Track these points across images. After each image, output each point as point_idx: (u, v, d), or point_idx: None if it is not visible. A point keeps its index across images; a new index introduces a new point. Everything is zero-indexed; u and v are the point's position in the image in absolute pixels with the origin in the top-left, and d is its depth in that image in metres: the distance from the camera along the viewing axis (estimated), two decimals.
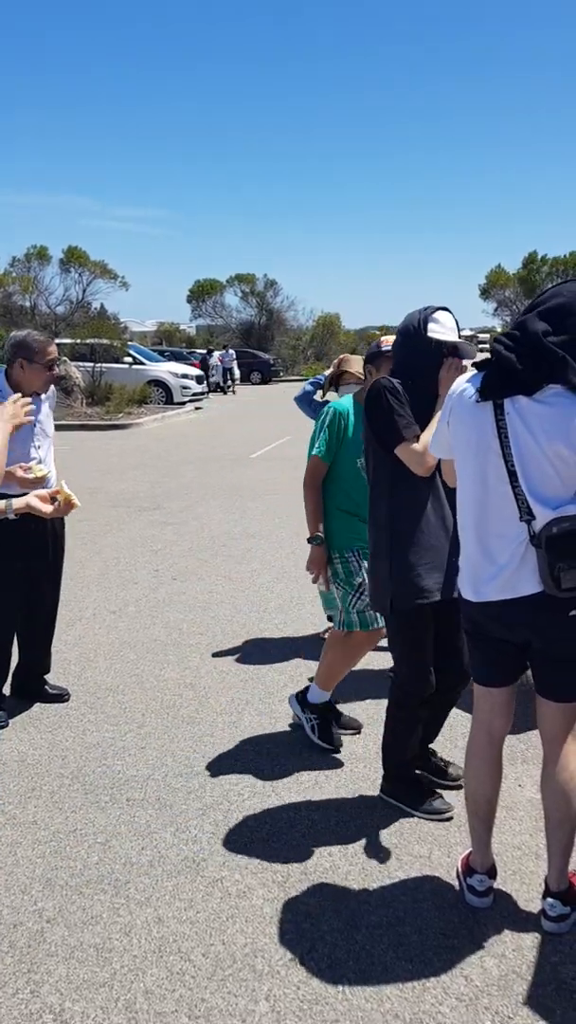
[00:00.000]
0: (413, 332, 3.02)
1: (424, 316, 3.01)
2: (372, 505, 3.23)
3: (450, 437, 2.66)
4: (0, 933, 2.66)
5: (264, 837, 3.18)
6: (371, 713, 4.22)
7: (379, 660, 4.72)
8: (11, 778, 3.62)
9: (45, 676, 4.45)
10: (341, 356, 5.07)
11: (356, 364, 4.90)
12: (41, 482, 3.80)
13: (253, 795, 3.48)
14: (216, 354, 33.58)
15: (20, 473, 3.66)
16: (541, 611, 2.51)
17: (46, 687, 4.43)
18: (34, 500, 3.05)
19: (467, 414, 2.55)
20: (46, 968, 2.51)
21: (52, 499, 3.17)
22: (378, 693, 4.46)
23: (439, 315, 3.02)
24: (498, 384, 2.47)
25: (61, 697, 4.40)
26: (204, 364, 30.55)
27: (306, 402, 5.17)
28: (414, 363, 3.05)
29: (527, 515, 2.45)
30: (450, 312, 3.04)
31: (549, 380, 2.40)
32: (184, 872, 2.97)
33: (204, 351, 32.35)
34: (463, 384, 2.61)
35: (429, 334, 2.96)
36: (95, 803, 3.42)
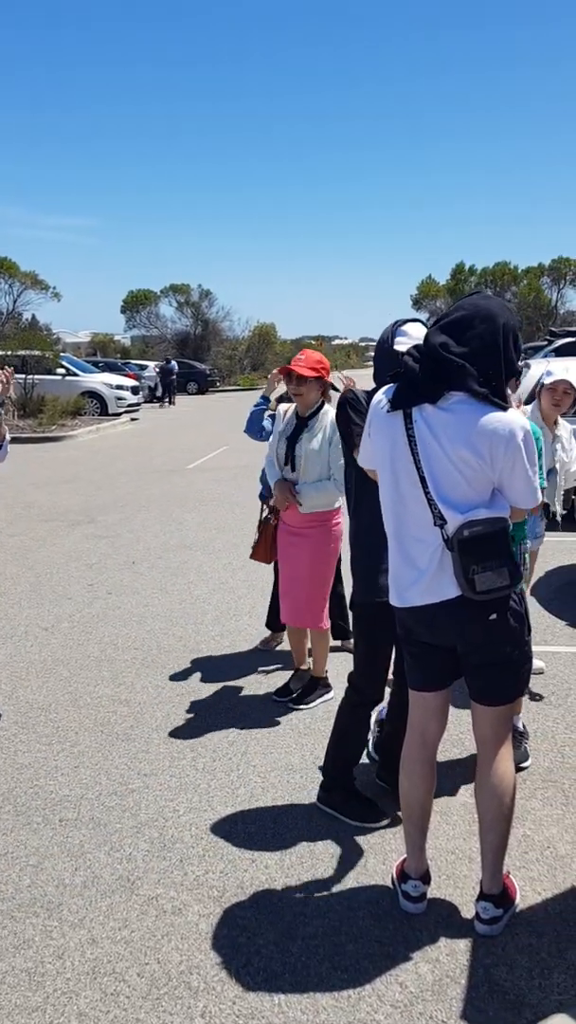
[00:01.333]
0: (383, 343, 3.07)
1: (393, 329, 3.05)
2: (348, 504, 3.39)
3: (371, 447, 2.71)
4: None
5: (200, 853, 3.16)
6: (307, 724, 4.23)
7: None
8: None
9: None
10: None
11: None
12: None
13: (189, 810, 3.45)
14: (152, 364, 33.40)
15: None
16: (463, 615, 2.56)
17: None
18: None
19: (382, 424, 2.63)
20: None
21: None
22: (314, 707, 4.47)
23: (408, 327, 3.05)
24: (406, 394, 2.54)
25: None
26: (165, 373, 30.51)
27: (258, 423, 4.98)
28: (387, 374, 3.09)
29: (439, 520, 2.52)
30: (422, 323, 3.08)
31: (450, 388, 2.47)
32: (118, 891, 2.93)
33: (163, 361, 32.15)
34: (379, 396, 2.67)
35: (395, 346, 2.99)
36: (27, 824, 3.36)
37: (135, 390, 25.30)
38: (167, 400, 30.53)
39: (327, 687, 4.54)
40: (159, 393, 30.84)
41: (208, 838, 3.26)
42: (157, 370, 31.03)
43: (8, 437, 4.19)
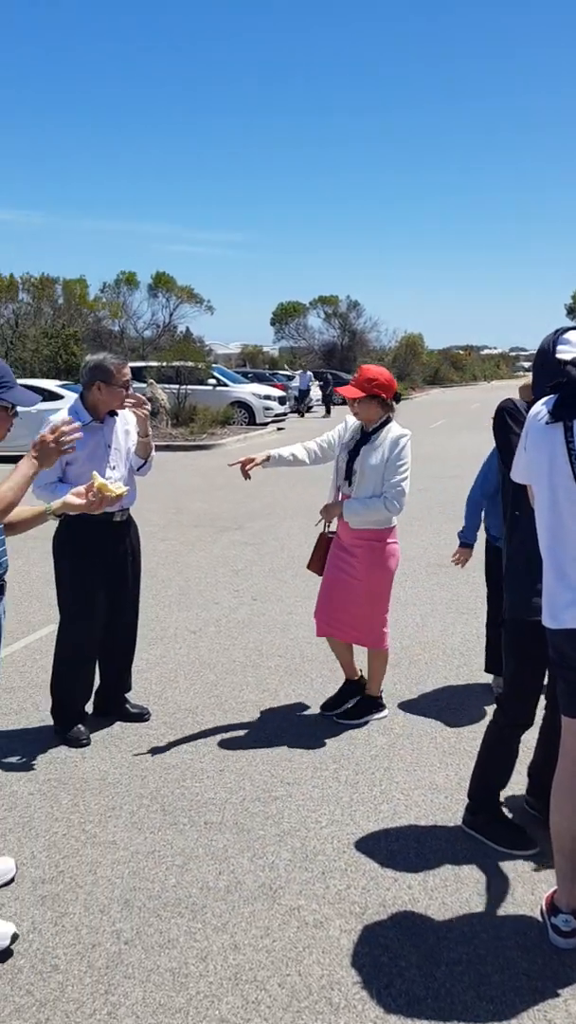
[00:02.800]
0: (544, 353, 2.93)
1: (555, 337, 2.89)
2: (505, 519, 3.26)
3: (527, 461, 2.61)
4: (79, 952, 2.68)
5: (342, 867, 3.13)
6: (452, 743, 4.14)
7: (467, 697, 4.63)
8: (92, 796, 3.66)
9: (126, 695, 4.50)
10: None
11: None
12: (119, 500, 3.90)
13: (331, 823, 3.44)
14: (297, 374, 33.87)
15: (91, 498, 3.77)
16: None
17: (127, 706, 4.48)
18: (69, 497, 3.08)
19: (539, 437, 2.53)
20: (123, 990, 2.52)
21: (89, 491, 3.17)
22: (464, 723, 4.37)
23: (571, 335, 2.87)
24: (568, 405, 2.43)
25: (142, 716, 4.45)
26: (326, 383, 31.39)
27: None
28: (546, 384, 2.96)
29: None
30: None
31: None
32: (261, 899, 2.95)
33: (312, 371, 33.18)
34: (538, 407, 2.57)
35: (557, 355, 2.85)
36: (173, 825, 3.43)
37: (282, 400, 25.67)
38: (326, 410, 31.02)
39: (380, 707, 4.46)
40: (305, 404, 31.20)
41: (350, 852, 3.23)
42: (317, 382, 31.68)
43: (153, 454, 4.33)
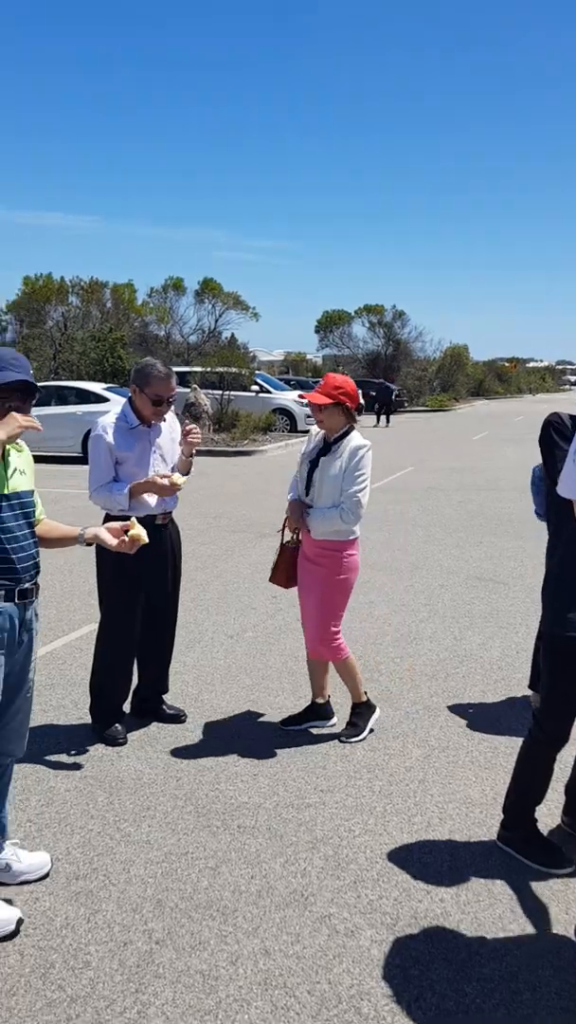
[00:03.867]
0: None
1: None
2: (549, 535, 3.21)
3: None
4: (111, 950, 2.70)
5: (374, 876, 3.12)
6: (488, 758, 4.10)
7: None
8: (128, 795, 3.69)
9: (163, 696, 4.54)
10: None
11: None
12: (177, 490, 4.00)
13: (364, 832, 3.43)
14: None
15: (159, 481, 3.90)
16: None
17: (164, 707, 4.51)
18: (103, 532, 3.10)
19: None
20: (153, 990, 2.53)
21: (124, 532, 3.18)
22: (500, 737, 4.34)
23: None
24: None
25: (178, 718, 4.48)
26: (385, 391, 31.13)
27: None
28: None
29: None
30: None
31: None
32: (292, 905, 2.95)
33: (380, 381, 33.04)
34: None
35: None
36: (207, 827, 3.45)
37: None
38: (386, 420, 30.54)
39: (371, 708, 4.41)
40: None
41: (383, 863, 3.22)
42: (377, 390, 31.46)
43: (192, 471, 4.34)
